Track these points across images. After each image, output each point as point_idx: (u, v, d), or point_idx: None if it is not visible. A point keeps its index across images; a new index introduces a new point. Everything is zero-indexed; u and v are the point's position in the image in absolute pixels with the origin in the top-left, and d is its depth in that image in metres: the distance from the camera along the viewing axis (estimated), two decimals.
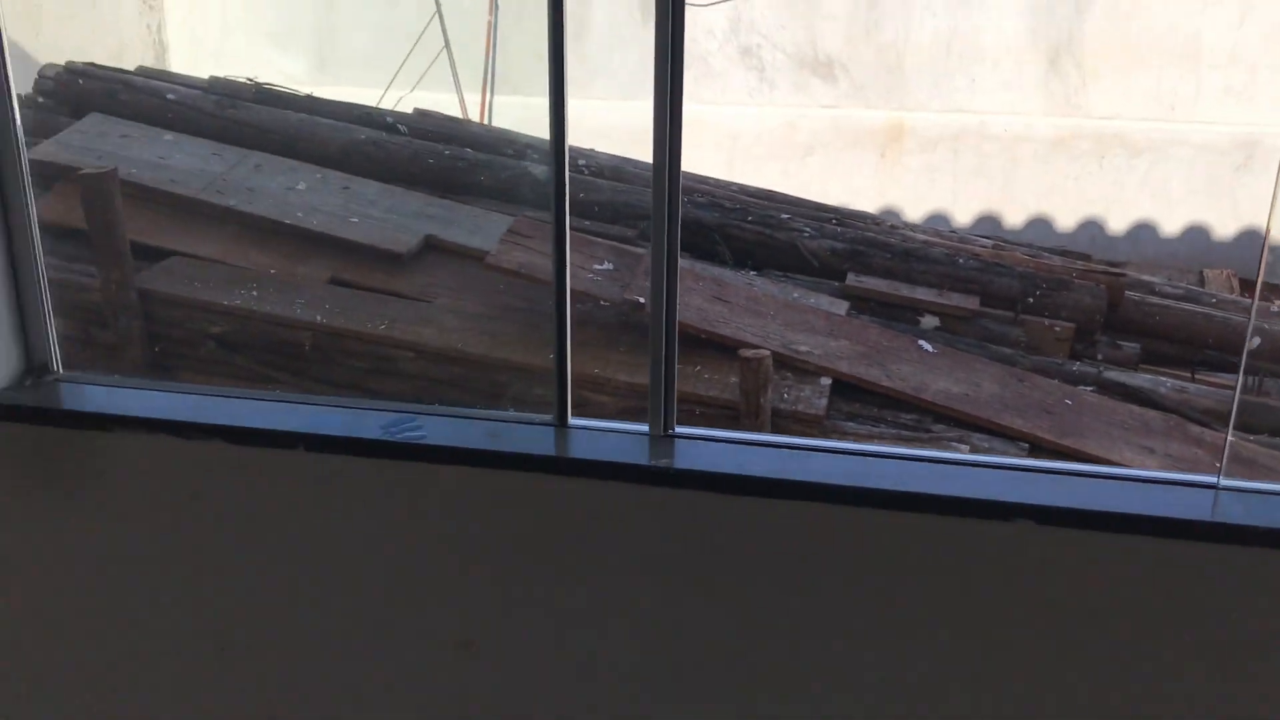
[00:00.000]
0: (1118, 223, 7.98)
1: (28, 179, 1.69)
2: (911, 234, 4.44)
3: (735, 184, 4.67)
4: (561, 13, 1.56)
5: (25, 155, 1.69)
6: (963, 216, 7.99)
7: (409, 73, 8.68)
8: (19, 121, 1.65)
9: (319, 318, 3.75)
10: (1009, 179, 8.14)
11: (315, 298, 3.86)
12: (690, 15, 6.17)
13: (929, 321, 4.03)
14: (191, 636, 1.75)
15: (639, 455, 1.58)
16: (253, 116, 4.58)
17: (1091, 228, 7.98)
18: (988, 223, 7.93)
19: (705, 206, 4.29)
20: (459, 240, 4.12)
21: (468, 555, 1.62)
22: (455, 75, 8.83)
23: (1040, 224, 8.00)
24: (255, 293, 3.82)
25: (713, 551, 1.57)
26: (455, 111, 8.33)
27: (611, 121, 7.87)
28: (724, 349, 3.55)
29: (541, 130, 5.55)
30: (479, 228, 4.20)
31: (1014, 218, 8.07)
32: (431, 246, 4.10)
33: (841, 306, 3.95)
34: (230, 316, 3.76)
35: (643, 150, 5.58)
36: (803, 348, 3.62)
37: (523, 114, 8.10)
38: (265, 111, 4.62)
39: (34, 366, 1.76)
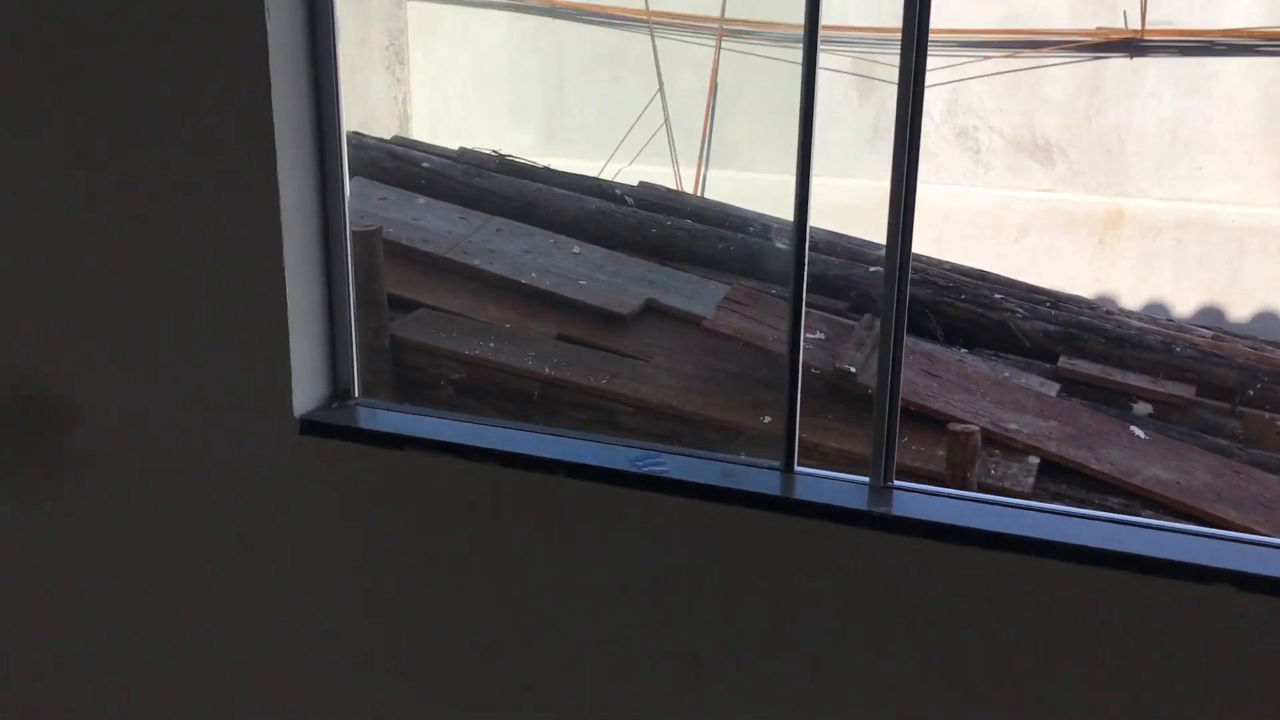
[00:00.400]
0: None
1: (348, 231, 2.02)
2: (1126, 320, 4.44)
3: (948, 262, 4.78)
4: (812, 97, 1.77)
5: (348, 213, 2.01)
6: (1183, 307, 7.77)
7: (629, 146, 9.15)
8: (348, 185, 1.98)
9: (547, 370, 4.06)
10: (1235, 271, 7.88)
11: (544, 351, 4.17)
12: None
13: (1141, 408, 4.02)
14: (452, 637, 2.00)
15: (859, 501, 1.74)
16: (495, 184, 5.00)
17: None
18: (1210, 314, 7.68)
19: (918, 283, 4.41)
20: (677, 305, 4.38)
21: (699, 580, 1.81)
22: (673, 150, 9.24)
23: (1268, 318, 7.69)
24: (491, 344, 4.16)
25: (924, 594, 1.70)
26: (670, 183, 8.72)
27: (823, 197, 8.01)
28: (932, 422, 3.65)
29: (752, 203, 5.79)
30: (696, 294, 4.45)
31: (1239, 310, 7.79)
32: (651, 309, 4.36)
33: (1052, 388, 3.98)
34: (468, 364, 4.11)
35: (851, 226, 5.73)
36: (1011, 425, 3.68)
37: (734, 188, 8.40)
38: (506, 180, 5.04)
39: (339, 392, 2.06)
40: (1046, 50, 7.99)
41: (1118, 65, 7.96)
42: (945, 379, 3.86)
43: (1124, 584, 1.57)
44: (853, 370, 3.72)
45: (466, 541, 1.93)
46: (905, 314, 1.72)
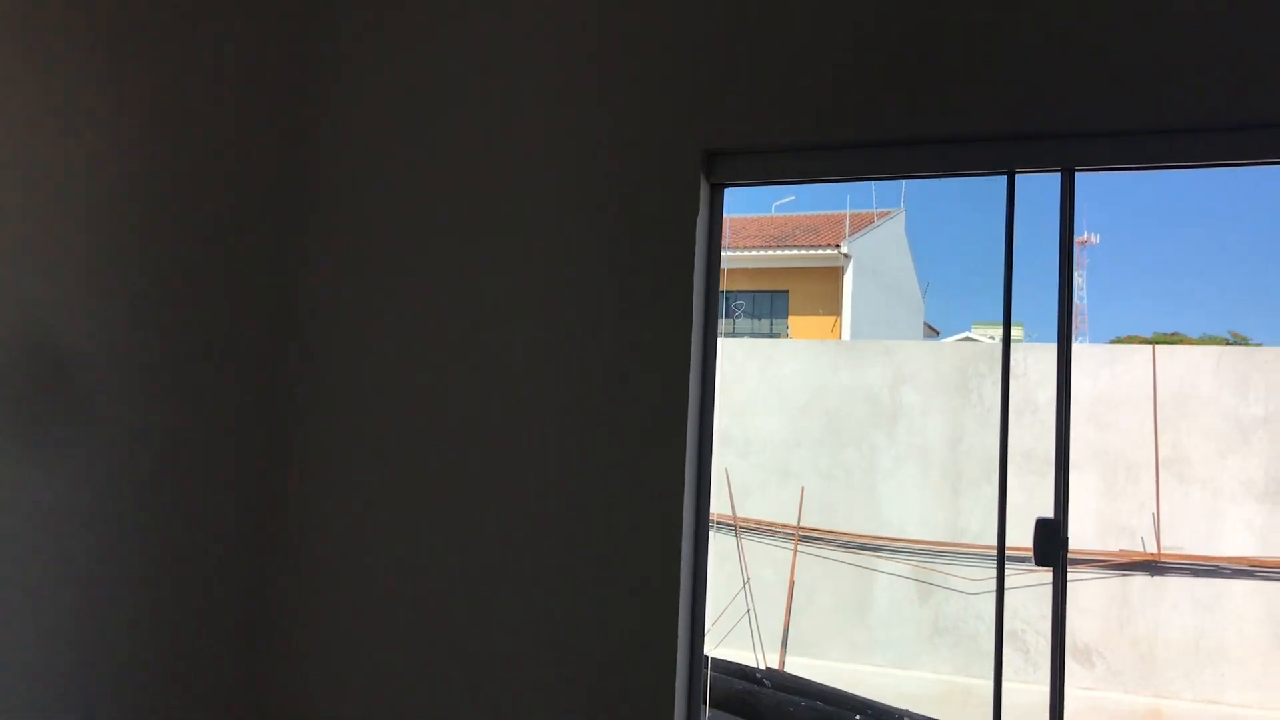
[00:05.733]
0: None
1: (706, 623, 3.28)
2: None
3: None
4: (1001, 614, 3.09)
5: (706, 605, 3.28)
6: None
7: (716, 631, 10.41)
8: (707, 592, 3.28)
9: None
10: None
11: None
12: (963, 600, 7.91)
13: None
14: None
15: None
16: None
17: None
18: None
19: None
20: None
21: None
22: (756, 635, 10.49)
23: None
24: None
25: None
26: (752, 665, 9.88)
27: (890, 687, 9.19)
28: None
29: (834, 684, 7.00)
30: None
31: None
32: None
33: None
34: None
35: (921, 709, 7.03)
36: None
37: (811, 674, 9.55)
38: None
39: None
40: (1080, 567, 9.46)
41: (1141, 582, 9.38)
42: None
43: None
44: None
45: None
46: None
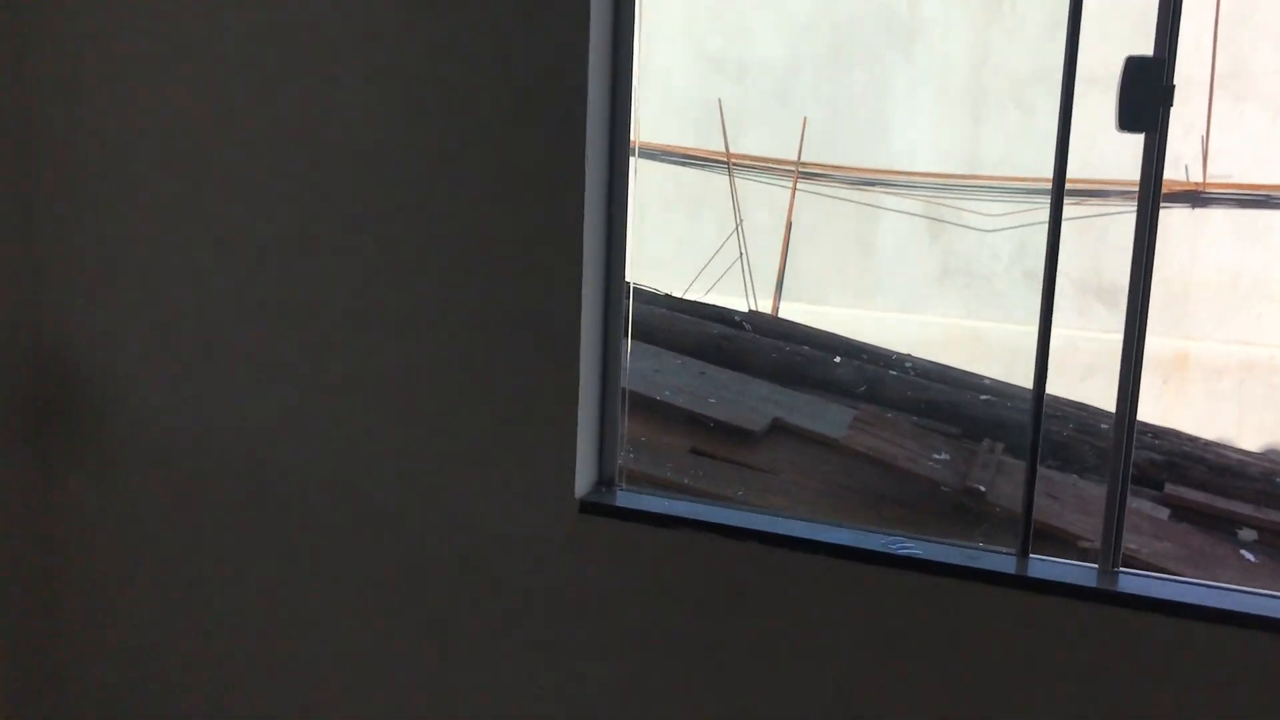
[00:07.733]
0: None
1: (629, 338, 2.36)
2: (1225, 452, 4.70)
3: (1050, 395, 5.07)
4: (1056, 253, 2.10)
5: (627, 344, 2.35)
6: (1248, 445, 7.99)
7: (706, 277, 9.59)
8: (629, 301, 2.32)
9: (686, 480, 4.34)
10: None
11: (680, 464, 4.47)
12: (977, 238, 6.76)
13: (1246, 534, 4.25)
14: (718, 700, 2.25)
15: (1089, 580, 2.01)
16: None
17: None
18: (1274, 454, 7.89)
19: (1025, 411, 4.70)
20: (801, 424, 4.68)
21: (943, 650, 2.07)
22: (749, 282, 9.67)
23: None
24: (632, 455, 4.46)
25: (1149, 664, 1.96)
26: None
27: (896, 331, 8.41)
28: (1056, 540, 3.90)
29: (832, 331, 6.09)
30: (817, 414, 4.76)
31: None
32: (777, 428, 4.67)
33: (1163, 513, 4.23)
34: None
35: (929, 356, 6.07)
36: (1131, 545, 3.93)
37: (807, 320, 8.79)
38: (637, 306, 5.42)
39: (605, 479, 2.37)
40: (1112, 199, 8.42)
41: (1180, 215, 8.38)
42: (1064, 500, 4.12)
43: None
44: (983, 489, 3.99)
45: (730, 612, 2.20)
46: (1132, 442, 2.04)
